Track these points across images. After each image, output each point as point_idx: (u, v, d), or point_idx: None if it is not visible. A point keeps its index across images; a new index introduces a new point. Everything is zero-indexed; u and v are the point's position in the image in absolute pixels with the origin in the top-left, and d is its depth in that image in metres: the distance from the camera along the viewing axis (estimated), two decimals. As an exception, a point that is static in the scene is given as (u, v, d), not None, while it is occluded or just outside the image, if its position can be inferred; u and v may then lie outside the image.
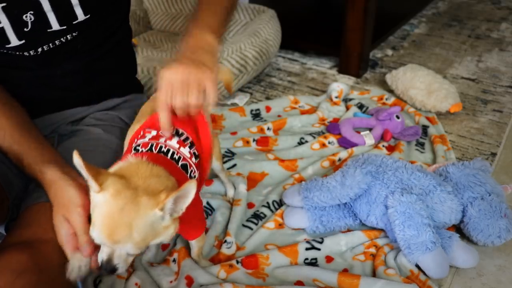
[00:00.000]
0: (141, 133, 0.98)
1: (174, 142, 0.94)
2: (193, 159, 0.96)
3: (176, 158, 0.93)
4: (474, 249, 1.19)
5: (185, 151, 0.95)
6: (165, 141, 0.94)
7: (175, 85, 0.92)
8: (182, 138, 0.97)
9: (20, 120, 1.02)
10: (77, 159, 0.76)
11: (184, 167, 0.93)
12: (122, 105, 1.25)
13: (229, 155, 1.54)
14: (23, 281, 0.81)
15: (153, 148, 0.92)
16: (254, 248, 1.23)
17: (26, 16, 1.00)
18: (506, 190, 1.30)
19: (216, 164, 1.26)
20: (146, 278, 1.13)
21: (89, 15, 1.05)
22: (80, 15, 1.04)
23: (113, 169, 0.86)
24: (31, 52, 1.06)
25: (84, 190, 0.88)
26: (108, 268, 0.81)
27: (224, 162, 1.49)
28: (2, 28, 1.00)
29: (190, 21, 1.03)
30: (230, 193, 1.37)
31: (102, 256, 0.82)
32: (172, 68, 0.93)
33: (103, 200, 0.78)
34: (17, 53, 1.05)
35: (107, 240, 0.78)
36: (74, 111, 1.19)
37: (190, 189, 0.77)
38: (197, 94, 0.92)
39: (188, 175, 0.93)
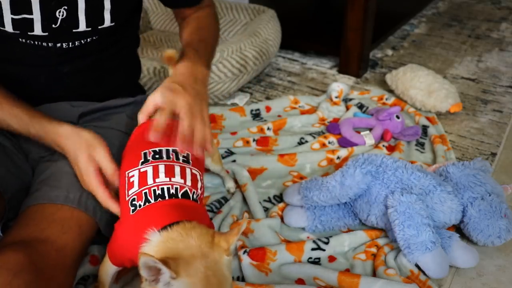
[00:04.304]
0: (126, 177, 0.95)
1: (162, 177, 0.92)
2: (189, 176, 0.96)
3: (179, 193, 0.90)
4: (474, 249, 1.19)
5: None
6: (154, 179, 0.91)
7: (183, 110, 0.94)
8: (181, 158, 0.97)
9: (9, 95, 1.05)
10: (147, 258, 0.72)
11: (186, 194, 0.91)
12: (128, 106, 1.25)
13: (229, 154, 1.54)
14: (20, 280, 0.81)
15: (148, 195, 0.88)
16: (267, 228, 1.25)
17: (59, 12, 1.03)
18: (506, 190, 1.30)
19: (216, 168, 1.31)
20: None
21: (114, 23, 1.09)
22: (107, 21, 1.08)
23: (154, 252, 0.80)
24: (50, 44, 1.07)
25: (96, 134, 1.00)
26: None
27: (223, 158, 1.51)
28: (32, 19, 1.02)
29: (183, 57, 1.08)
30: (230, 184, 1.41)
31: None
32: (179, 92, 0.96)
33: (186, 283, 0.75)
34: (36, 42, 1.06)
35: None
36: (81, 103, 1.19)
37: (242, 228, 0.81)
38: (202, 124, 0.96)
39: (191, 197, 0.92)
